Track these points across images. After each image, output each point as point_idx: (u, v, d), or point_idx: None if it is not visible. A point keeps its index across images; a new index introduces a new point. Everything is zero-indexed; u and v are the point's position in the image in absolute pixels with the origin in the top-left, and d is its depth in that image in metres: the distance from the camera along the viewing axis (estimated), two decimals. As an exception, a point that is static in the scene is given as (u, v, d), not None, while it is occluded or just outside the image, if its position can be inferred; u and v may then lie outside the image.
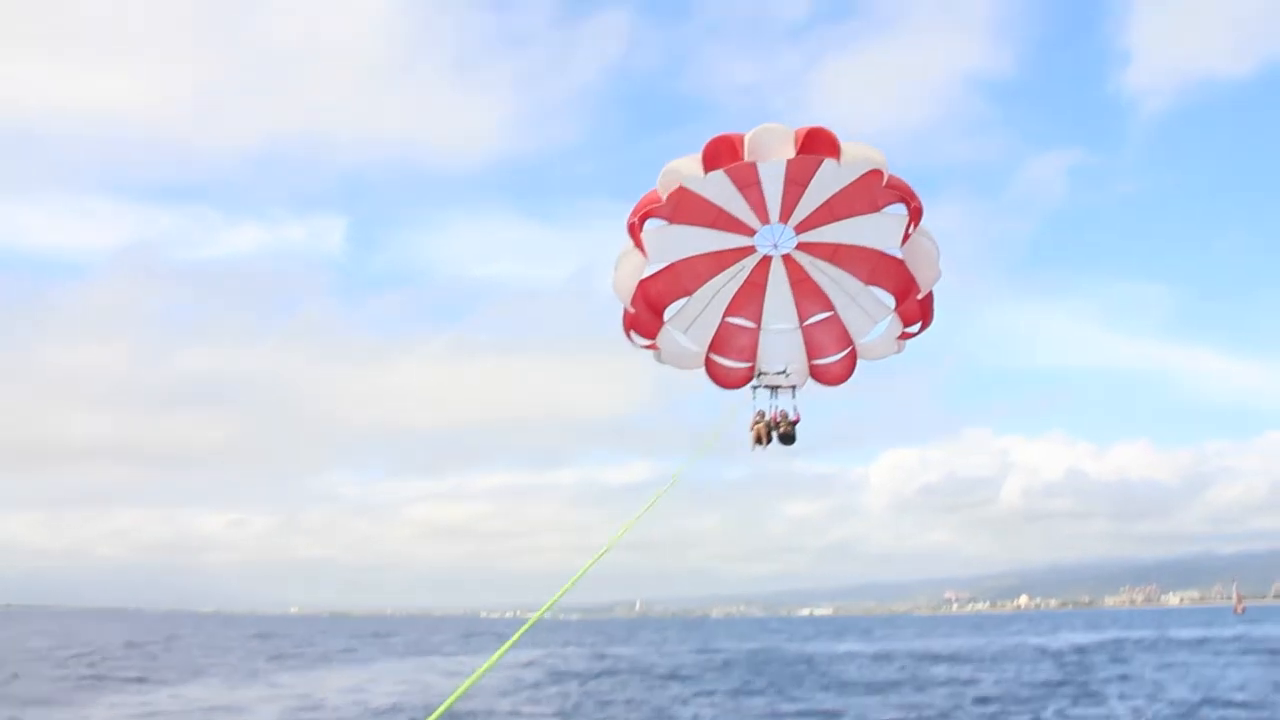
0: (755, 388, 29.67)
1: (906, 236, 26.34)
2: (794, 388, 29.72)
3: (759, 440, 29.41)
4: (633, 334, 28.42)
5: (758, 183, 26.81)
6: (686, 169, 25.94)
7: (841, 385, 29.66)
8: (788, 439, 29.48)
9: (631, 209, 26.96)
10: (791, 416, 29.84)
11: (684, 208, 27.16)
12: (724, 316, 29.21)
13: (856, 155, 25.34)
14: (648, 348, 28.82)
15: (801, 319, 29.24)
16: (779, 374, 29.55)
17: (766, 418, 29.64)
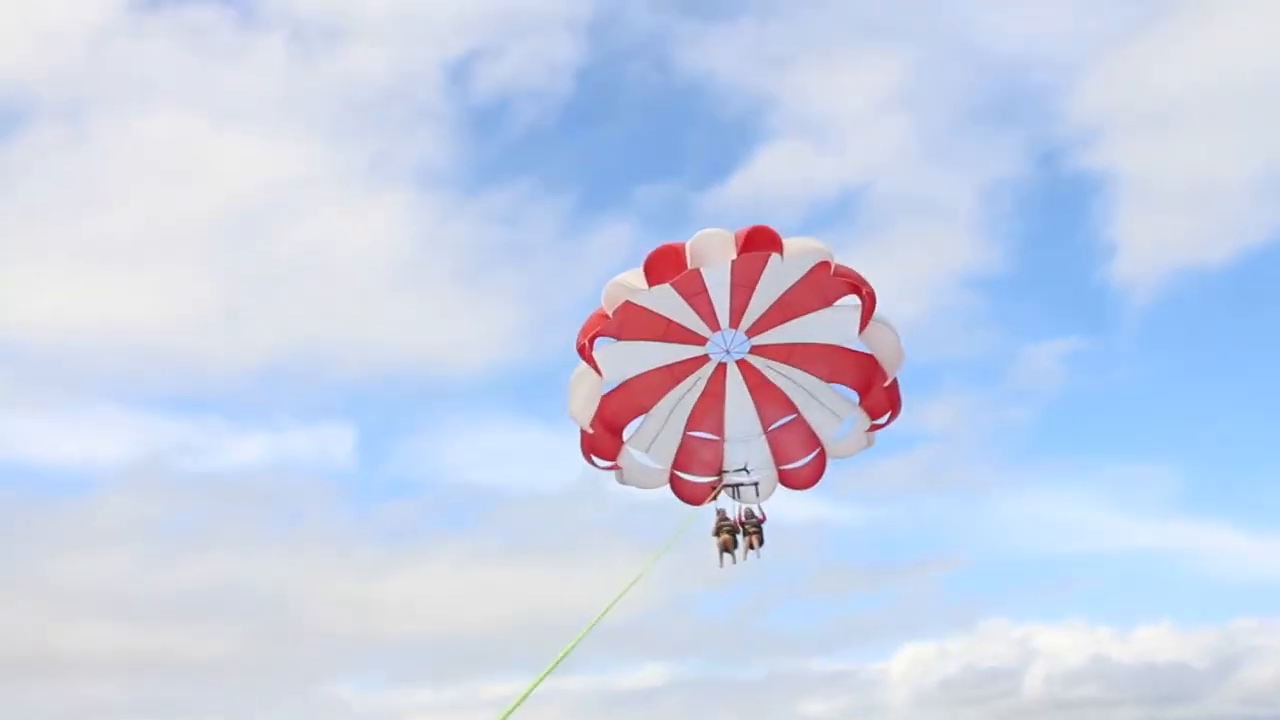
0: (715, 489, 28.34)
1: (863, 325, 25.56)
2: (755, 485, 28.38)
3: (726, 549, 27.86)
4: (592, 456, 27.18)
5: (704, 290, 26.05)
6: (631, 282, 25.15)
7: (813, 488, 28.52)
8: (759, 542, 28.00)
9: (579, 330, 26.07)
10: (757, 515, 28.41)
11: (631, 323, 26.26)
12: (685, 431, 28.13)
13: (801, 249, 24.70)
14: (609, 469, 27.56)
15: (765, 425, 28.21)
16: (739, 471, 28.31)
17: (731, 518, 28.20)
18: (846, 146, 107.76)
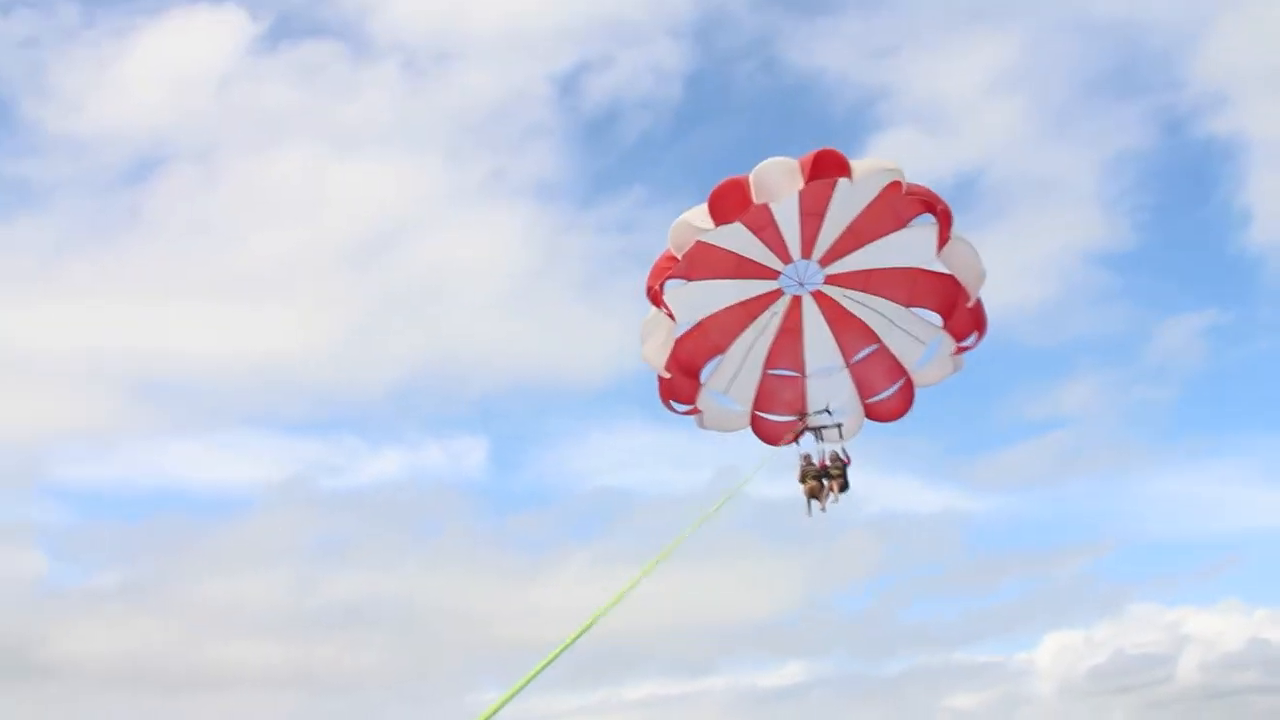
0: (798, 434, 27.40)
1: (941, 244, 24.43)
2: (839, 426, 27.33)
3: (813, 495, 26.91)
4: (671, 401, 26.52)
5: (773, 222, 25.15)
6: (697, 222, 24.34)
7: (902, 419, 27.48)
8: (843, 486, 26.97)
9: (648, 275, 25.36)
10: (843, 458, 27.40)
11: (700, 262, 25.48)
12: (764, 370, 27.30)
13: (870, 170, 23.64)
14: (688, 413, 26.87)
15: (847, 357, 27.24)
16: (820, 413, 27.35)
17: (815, 462, 27.22)
18: (961, 131, 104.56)
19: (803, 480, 27.05)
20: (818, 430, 27.19)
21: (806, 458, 27.17)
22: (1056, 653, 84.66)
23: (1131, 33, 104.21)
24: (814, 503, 26.88)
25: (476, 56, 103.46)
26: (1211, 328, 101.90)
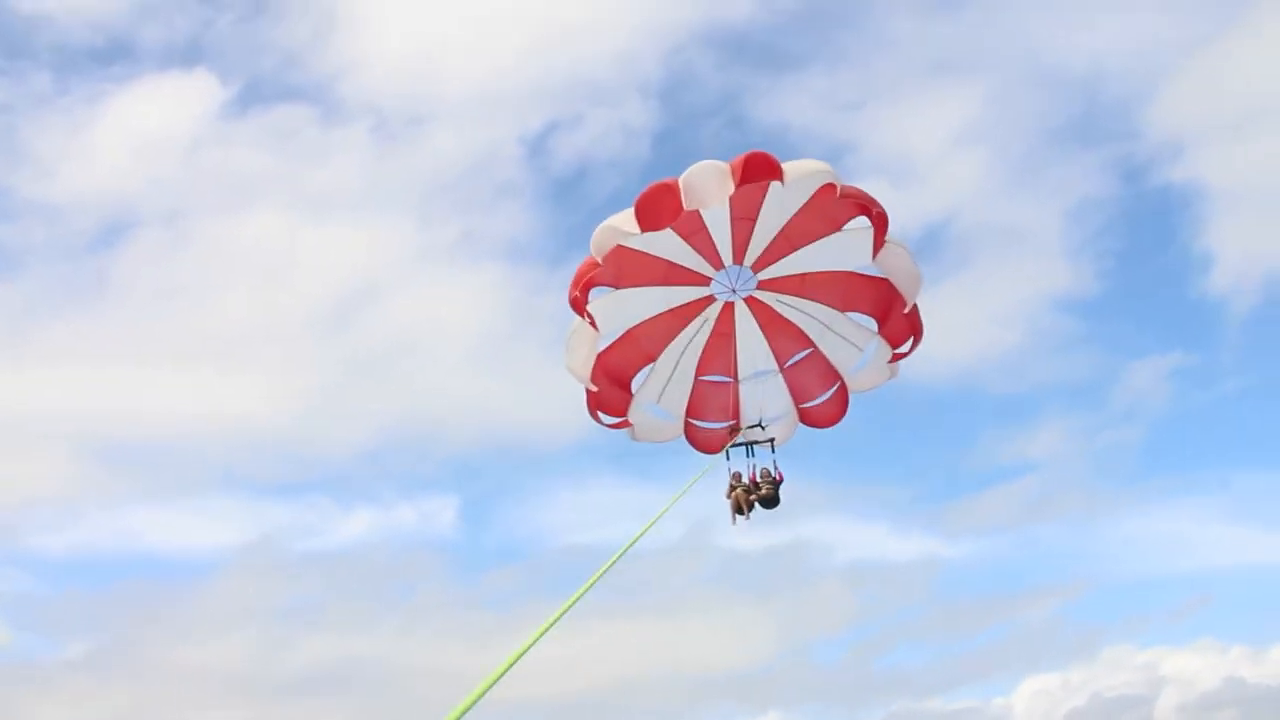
0: (728, 449, 26.63)
1: (877, 249, 23.69)
2: (771, 441, 26.53)
3: (739, 510, 25.98)
4: (600, 414, 25.61)
5: (703, 227, 24.24)
6: (622, 226, 23.36)
7: (835, 427, 26.83)
8: (770, 502, 26.03)
9: (570, 281, 24.36)
10: (774, 474, 26.51)
11: (629, 269, 24.55)
12: (696, 376, 26.47)
13: (803, 173, 22.82)
14: (618, 426, 25.98)
15: (780, 362, 26.50)
16: (753, 428, 26.56)
17: (745, 479, 26.35)
18: (927, 182, 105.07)
19: (730, 496, 26.18)
20: (749, 445, 26.40)
21: (736, 475, 26.35)
22: (1033, 697, 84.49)
23: (1090, 84, 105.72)
24: (739, 516, 26.03)
25: (447, 118, 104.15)
26: (1176, 370, 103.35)
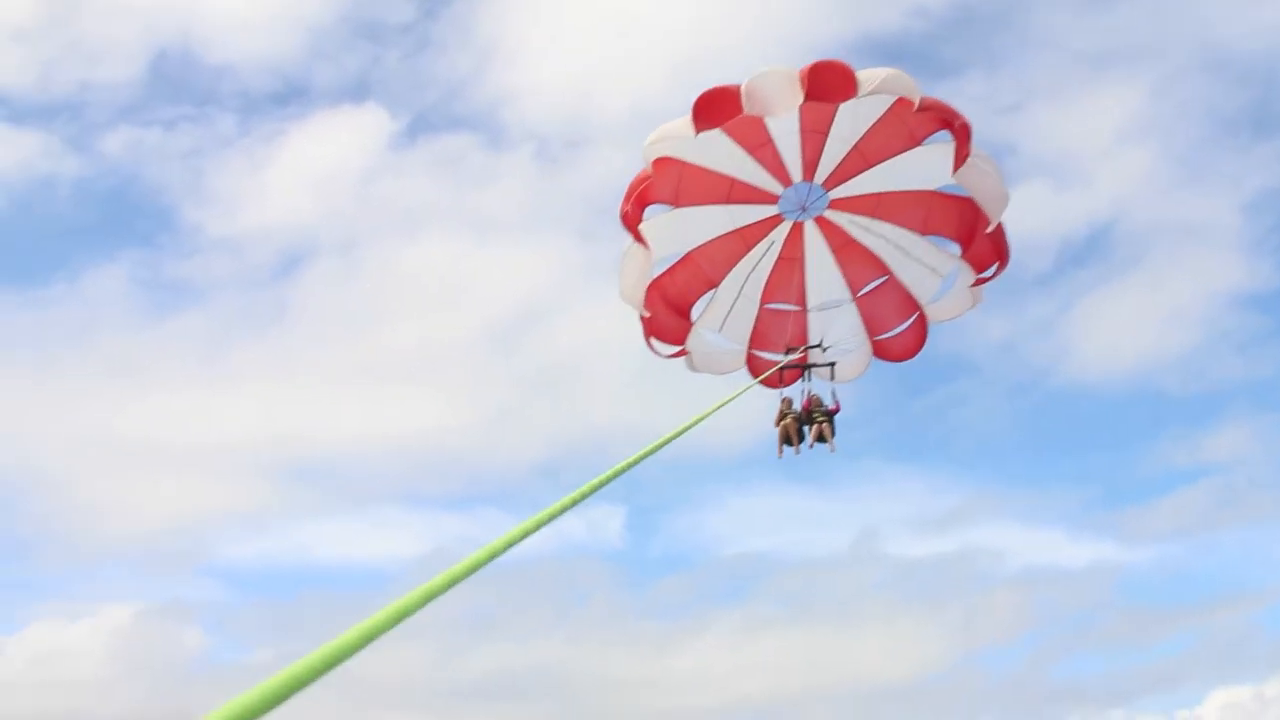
0: (782, 369, 24.65)
1: (958, 164, 21.50)
2: (831, 366, 24.44)
3: (787, 440, 24.13)
4: (654, 341, 23.97)
5: (770, 140, 22.38)
6: (676, 131, 21.61)
7: (913, 359, 24.76)
8: (822, 436, 23.99)
9: (624, 196, 22.71)
10: (829, 404, 24.31)
11: (688, 185, 22.82)
12: (761, 304, 24.61)
13: (878, 83, 20.74)
14: (675, 355, 24.32)
15: (853, 290, 24.47)
16: (812, 348, 24.52)
17: (796, 407, 24.41)
18: (1091, 181, 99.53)
19: (778, 423, 24.31)
20: (807, 369, 24.46)
21: (787, 401, 24.39)
22: (1223, 710, 78.82)
23: (1263, 70, 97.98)
24: (787, 447, 24.18)
25: (604, 140, 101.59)
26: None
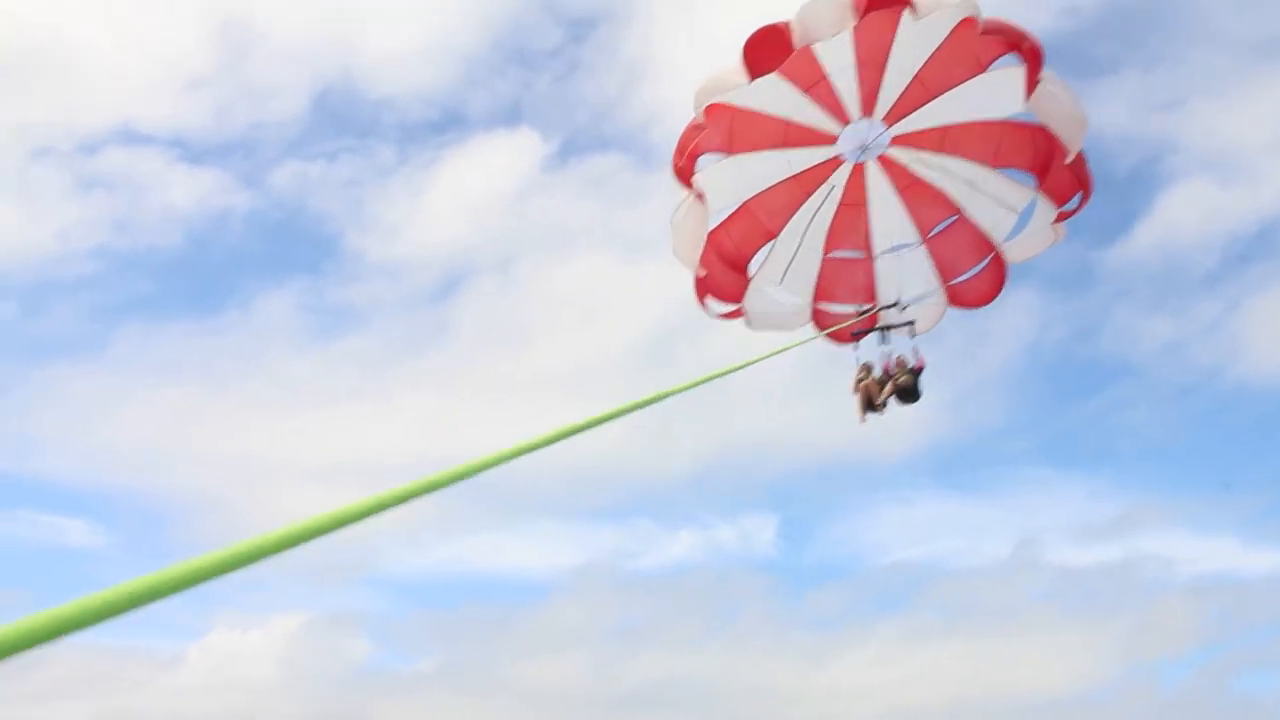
0: (856, 334, 23.18)
1: (1030, 90, 19.85)
2: (910, 324, 22.86)
3: (870, 405, 22.54)
4: (709, 301, 22.66)
5: (824, 76, 20.88)
6: (728, 80, 20.23)
7: (992, 304, 23.18)
8: (908, 393, 22.51)
9: (675, 149, 21.40)
10: (912, 363, 22.77)
11: (741, 131, 21.43)
12: (824, 253, 23.16)
13: (938, 2, 19.19)
14: (731, 315, 22.99)
15: (923, 232, 22.92)
16: (889, 308, 23.07)
17: (875, 372, 22.76)
18: (1257, 178, 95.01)
19: (857, 389, 22.80)
20: (884, 330, 23.00)
21: (866, 366, 22.87)
22: None
23: None
24: (870, 412, 22.62)
25: None
26: None
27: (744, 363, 12.41)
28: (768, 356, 13.22)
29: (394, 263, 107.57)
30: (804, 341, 20.10)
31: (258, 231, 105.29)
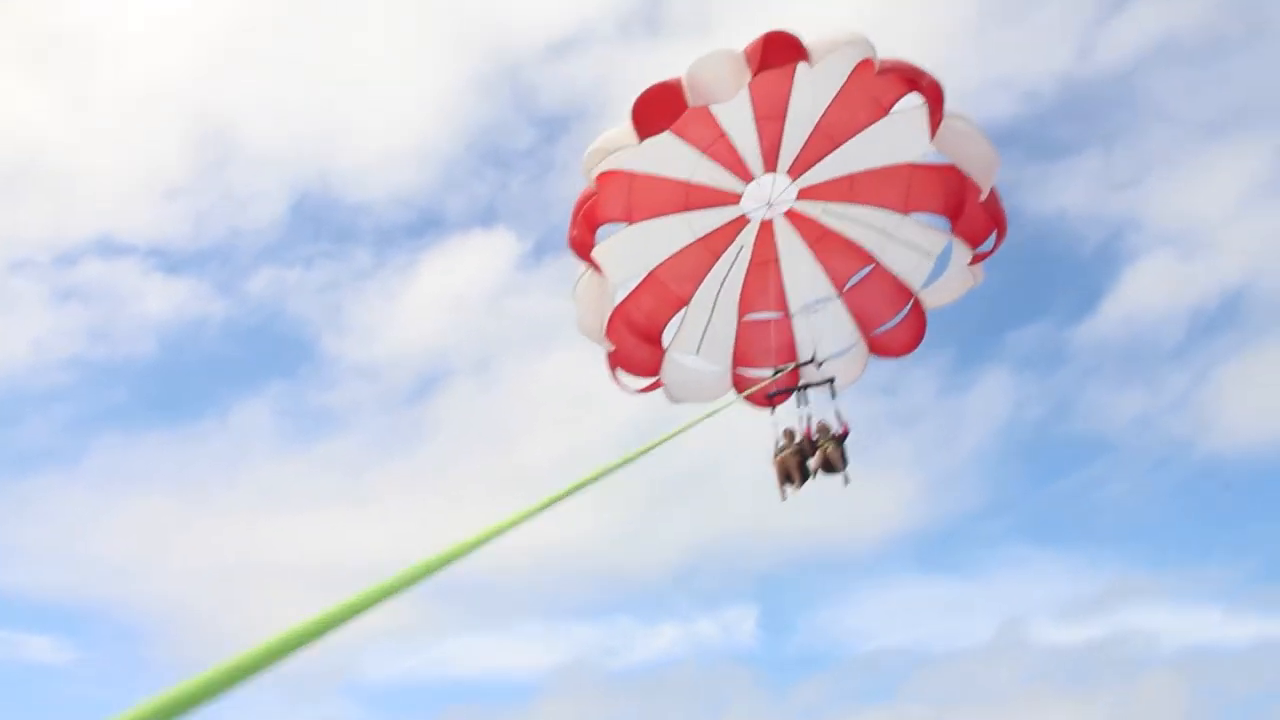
0: (771, 397, 21.98)
1: (935, 128, 19.08)
2: (830, 382, 21.62)
3: (787, 478, 21.22)
4: (620, 374, 21.40)
5: (722, 134, 19.96)
6: (617, 141, 19.15)
7: (913, 353, 22.23)
8: (831, 465, 21.10)
9: (570, 220, 20.23)
10: (835, 429, 21.45)
11: (640, 197, 20.37)
12: (740, 316, 22.11)
13: (831, 48, 18.34)
14: (648, 389, 21.76)
15: (838, 285, 21.99)
16: (807, 364, 21.86)
17: (797, 439, 21.44)
18: (1219, 250, 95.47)
19: (775, 462, 21.43)
20: (803, 389, 21.84)
21: (788, 433, 21.53)
22: None
23: None
24: (787, 486, 21.33)
25: None
26: None
27: (661, 438, 11.18)
28: (684, 429, 11.97)
29: (372, 365, 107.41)
30: (721, 409, 18.87)
31: (234, 338, 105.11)
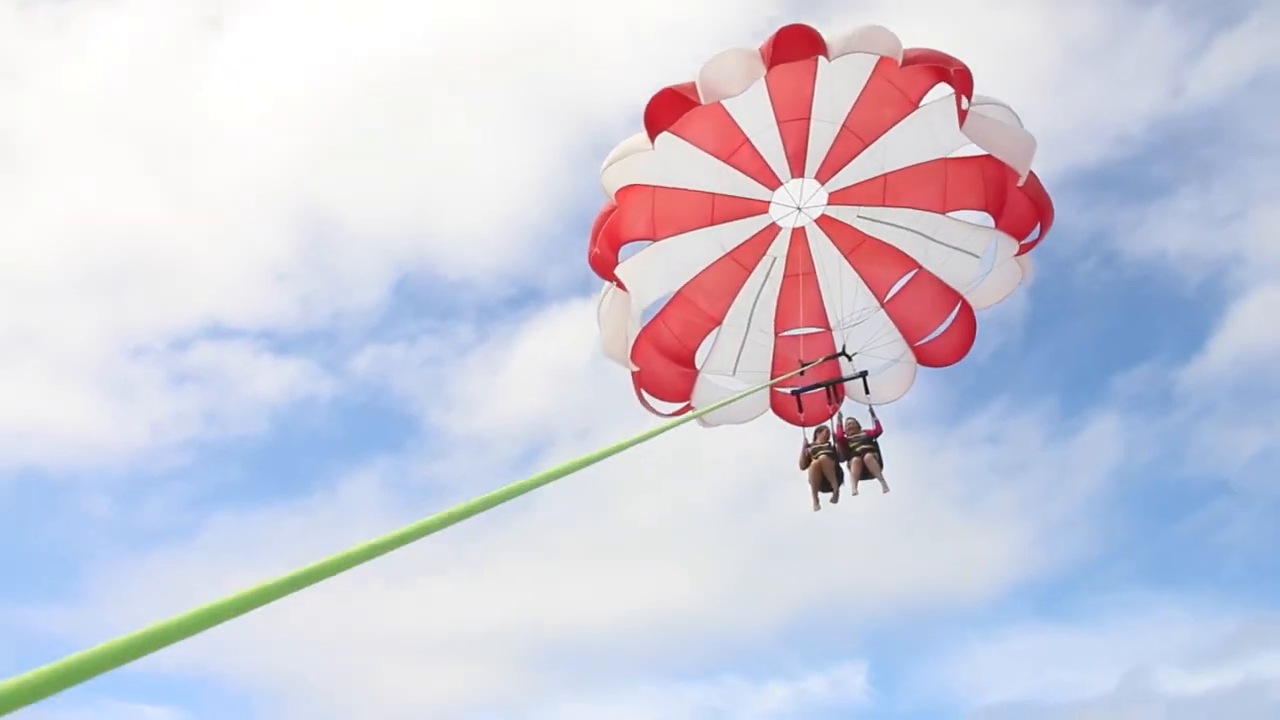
0: (796, 393, 20.54)
1: (964, 117, 17.95)
2: (863, 377, 20.11)
3: (823, 486, 19.82)
4: (649, 398, 20.32)
5: (745, 140, 19.08)
6: (640, 156, 18.36)
7: (965, 359, 20.86)
8: (868, 471, 19.80)
9: (590, 237, 19.40)
10: (867, 426, 20.17)
11: (664, 212, 19.50)
12: (776, 333, 21.00)
13: (852, 43, 17.45)
14: (680, 413, 20.62)
15: (879, 295, 20.81)
16: (835, 357, 20.34)
17: (831, 440, 19.99)
18: None
19: (805, 465, 20.13)
20: (829, 387, 20.46)
21: (822, 432, 20.33)
22: None
23: None
24: (824, 494, 20.05)
25: None
26: None
27: (661, 427, 10.24)
28: (684, 421, 10.97)
29: (476, 436, 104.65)
30: (739, 397, 17.71)
31: (342, 415, 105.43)
